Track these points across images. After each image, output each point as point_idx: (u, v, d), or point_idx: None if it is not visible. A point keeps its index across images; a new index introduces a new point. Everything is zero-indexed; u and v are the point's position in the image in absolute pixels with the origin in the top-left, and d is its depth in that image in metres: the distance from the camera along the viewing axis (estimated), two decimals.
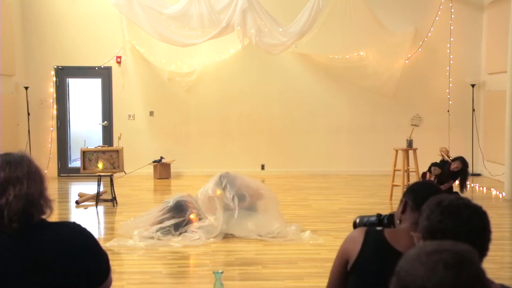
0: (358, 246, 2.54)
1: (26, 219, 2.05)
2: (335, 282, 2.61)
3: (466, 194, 9.30)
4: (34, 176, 2.10)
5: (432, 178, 9.01)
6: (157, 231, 6.84)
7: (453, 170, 8.66)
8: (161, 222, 6.96)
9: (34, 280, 2.04)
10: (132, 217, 7.49)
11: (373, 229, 2.63)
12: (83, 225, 2.19)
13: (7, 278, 2.03)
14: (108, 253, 2.28)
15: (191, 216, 7.08)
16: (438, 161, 9.14)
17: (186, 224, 6.97)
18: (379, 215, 2.83)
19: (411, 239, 2.52)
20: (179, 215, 7.02)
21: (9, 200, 2.02)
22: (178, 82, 12.02)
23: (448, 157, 8.98)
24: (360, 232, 2.59)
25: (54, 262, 2.05)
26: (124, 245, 6.63)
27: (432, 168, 8.76)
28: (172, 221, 6.95)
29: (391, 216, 2.77)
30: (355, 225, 2.92)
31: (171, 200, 7.25)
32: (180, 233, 6.86)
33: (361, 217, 2.93)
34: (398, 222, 2.68)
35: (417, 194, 2.57)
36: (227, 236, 6.97)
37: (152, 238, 6.78)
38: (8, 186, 2.05)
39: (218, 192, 7.19)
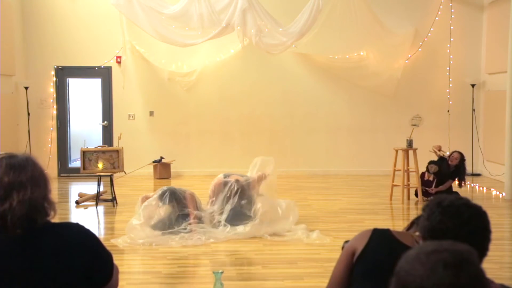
0: (365, 240, 2.54)
1: (29, 224, 2.05)
2: (339, 274, 2.58)
3: (466, 194, 9.32)
4: (38, 181, 2.09)
5: (431, 178, 9.03)
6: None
7: (452, 162, 8.68)
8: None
9: (37, 281, 2.04)
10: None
11: (380, 228, 2.64)
12: (85, 226, 2.19)
13: (12, 279, 2.03)
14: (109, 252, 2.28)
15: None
16: (435, 160, 9.16)
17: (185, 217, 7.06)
18: None
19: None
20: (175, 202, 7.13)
21: (13, 205, 2.01)
22: (178, 82, 12.02)
23: (441, 151, 9.02)
24: (367, 230, 2.61)
25: (57, 262, 2.05)
26: (128, 243, 6.66)
27: (429, 166, 8.78)
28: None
29: None
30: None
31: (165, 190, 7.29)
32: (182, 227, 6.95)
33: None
34: (407, 230, 2.70)
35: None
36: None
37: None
38: (12, 191, 2.03)
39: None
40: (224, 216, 7.15)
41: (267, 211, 7.30)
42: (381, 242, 2.53)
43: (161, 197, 7.17)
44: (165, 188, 7.31)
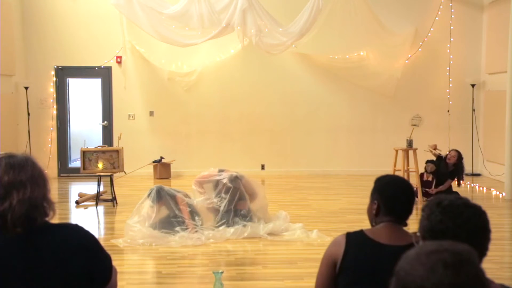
0: (342, 247, 2.65)
1: (29, 223, 2.05)
2: (322, 286, 2.67)
3: (466, 194, 9.32)
4: (37, 180, 2.10)
5: (430, 179, 9.03)
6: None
7: (450, 160, 8.68)
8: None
9: (36, 281, 2.04)
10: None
11: (353, 231, 2.69)
12: (84, 226, 2.19)
13: (11, 279, 2.03)
14: (110, 252, 2.28)
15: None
16: (433, 159, 9.17)
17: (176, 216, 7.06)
18: None
19: (391, 232, 2.61)
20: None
21: (13, 204, 2.02)
22: (178, 82, 12.02)
23: (436, 150, 9.02)
24: (341, 236, 2.71)
25: (56, 263, 2.06)
26: (128, 243, 6.65)
27: (426, 165, 8.77)
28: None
29: None
30: None
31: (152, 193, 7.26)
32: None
33: None
34: (374, 224, 2.74)
35: (388, 200, 2.66)
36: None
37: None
38: (12, 190, 2.04)
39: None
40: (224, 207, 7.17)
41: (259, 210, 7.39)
42: (358, 247, 2.63)
43: (149, 194, 7.18)
44: (152, 187, 7.33)
